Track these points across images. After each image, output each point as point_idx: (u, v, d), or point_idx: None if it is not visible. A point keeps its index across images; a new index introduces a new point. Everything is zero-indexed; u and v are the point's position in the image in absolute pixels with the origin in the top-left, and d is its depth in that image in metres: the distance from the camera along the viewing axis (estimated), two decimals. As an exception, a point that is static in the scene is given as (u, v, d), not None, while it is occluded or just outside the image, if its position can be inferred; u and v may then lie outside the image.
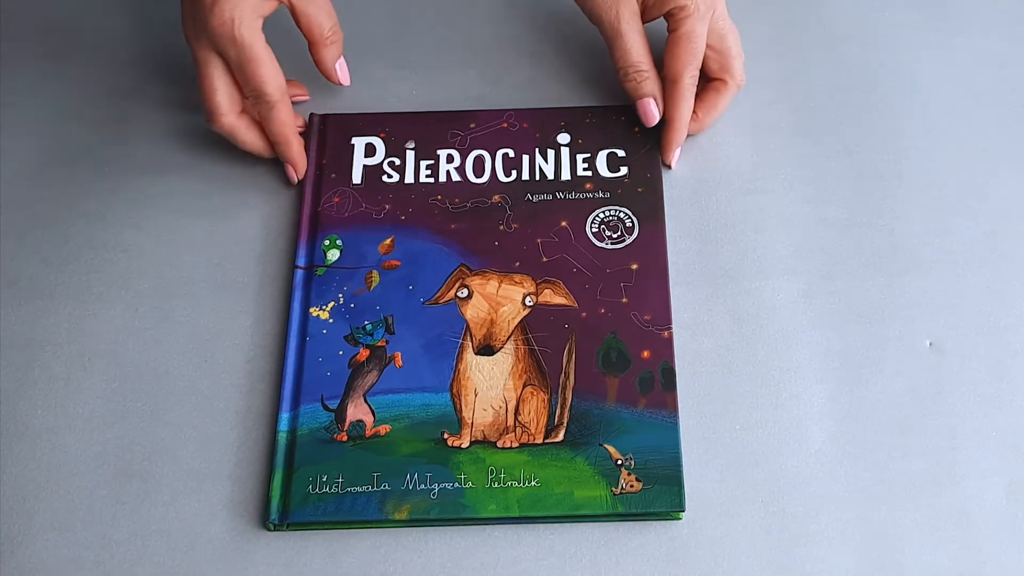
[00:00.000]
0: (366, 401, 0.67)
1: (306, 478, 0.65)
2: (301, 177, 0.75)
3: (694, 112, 0.75)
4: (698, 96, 0.75)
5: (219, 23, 0.69)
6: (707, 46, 0.74)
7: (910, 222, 0.73)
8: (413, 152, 0.75)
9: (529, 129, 0.76)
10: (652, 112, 0.74)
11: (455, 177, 0.74)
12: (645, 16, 0.75)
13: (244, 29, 0.70)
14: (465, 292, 0.70)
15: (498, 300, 0.70)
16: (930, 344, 0.69)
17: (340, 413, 0.67)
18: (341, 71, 0.77)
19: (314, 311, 0.70)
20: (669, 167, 0.75)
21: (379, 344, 0.69)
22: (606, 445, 0.65)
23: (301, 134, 0.76)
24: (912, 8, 0.82)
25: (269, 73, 0.71)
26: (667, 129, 0.74)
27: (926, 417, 0.67)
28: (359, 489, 0.64)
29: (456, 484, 0.64)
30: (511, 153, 0.75)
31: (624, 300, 0.69)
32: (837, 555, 0.63)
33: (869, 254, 0.72)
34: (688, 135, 0.75)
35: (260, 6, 0.71)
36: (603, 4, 0.74)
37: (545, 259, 0.71)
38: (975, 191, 0.74)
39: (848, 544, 0.63)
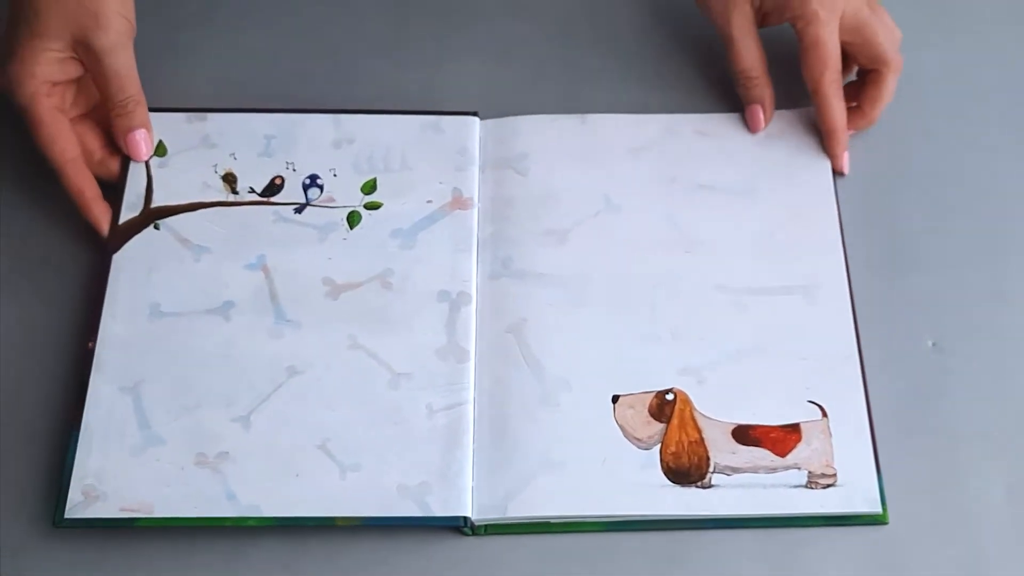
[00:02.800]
0: None
1: None
2: (106, 234, 0.71)
3: (859, 107, 0.75)
4: (860, 90, 0.75)
5: (4, 81, 0.70)
6: (846, 43, 0.74)
7: (911, 222, 0.73)
8: None
9: None
10: (758, 119, 0.75)
11: None
12: (764, 22, 0.75)
13: (23, 90, 0.69)
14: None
15: None
16: (932, 344, 0.69)
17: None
18: (133, 144, 0.72)
19: None
20: (842, 174, 0.74)
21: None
22: None
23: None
24: (912, 8, 0.82)
25: (50, 137, 0.70)
26: (824, 139, 0.74)
27: (928, 417, 0.67)
28: None
29: None
30: None
31: None
32: (837, 555, 0.63)
33: (870, 254, 0.72)
34: (859, 130, 0.75)
35: (52, 70, 0.70)
36: (716, 9, 0.75)
37: None
38: (976, 190, 0.75)
39: (848, 544, 0.63)
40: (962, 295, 0.71)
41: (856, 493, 0.64)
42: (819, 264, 0.70)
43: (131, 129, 0.72)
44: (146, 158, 0.73)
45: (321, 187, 0.73)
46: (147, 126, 0.73)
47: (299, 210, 0.72)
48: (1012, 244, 0.73)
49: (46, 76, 0.69)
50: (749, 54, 0.74)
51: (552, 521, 0.64)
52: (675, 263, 0.71)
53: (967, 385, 0.68)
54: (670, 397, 0.66)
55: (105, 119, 0.73)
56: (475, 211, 0.72)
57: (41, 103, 0.69)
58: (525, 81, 0.79)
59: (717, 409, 0.66)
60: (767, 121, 0.75)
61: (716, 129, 0.76)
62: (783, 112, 0.76)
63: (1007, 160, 0.76)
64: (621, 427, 0.65)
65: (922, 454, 0.66)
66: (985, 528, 0.64)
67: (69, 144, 0.70)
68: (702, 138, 0.75)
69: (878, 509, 0.63)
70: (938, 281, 0.71)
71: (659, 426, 0.65)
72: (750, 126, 0.75)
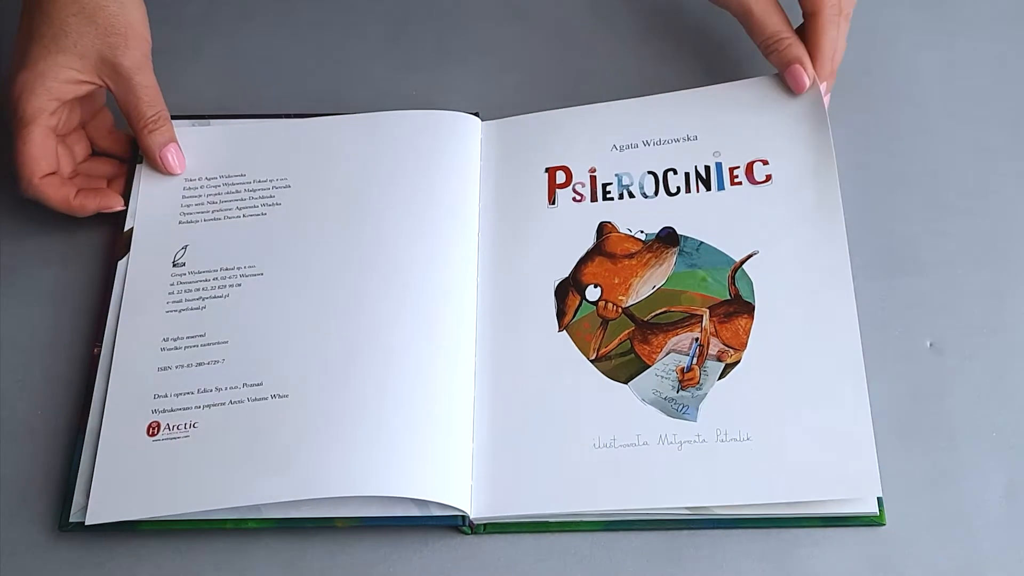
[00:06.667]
0: None
1: None
2: (123, 206, 0.73)
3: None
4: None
5: (11, 92, 0.70)
6: None
7: (910, 222, 0.73)
8: None
9: None
10: (800, 78, 0.73)
11: None
12: None
13: (32, 103, 0.69)
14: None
15: None
16: (930, 345, 0.69)
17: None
18: (166, 159, 0.73)
19: None
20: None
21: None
22: None
23: None
24: (912, 8, 0.82)
25: (28, 156, 0.69)
26: (814, 63, 0.73)
27: (926, 417, 0.67)
28: None
29: None
30: None
31: None
32: (836, 555, 0.63)
33: (869, 254, 0.72)
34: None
35: (66, 89, 0.70)
36: None
37: None
38: (975, 191, 0.74)
39: (848, 544, 0.64)
40: (960, 296, 0.70)
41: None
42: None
43: (164, 145, 0.73)
44: (181, 171, 0.74)
45: None
46: (176, 140, 0.74)
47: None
48: (1010, 245, 0.72)
49: (57, 93, 0.70)
50: (773, 18, 0.73)
51: (551, 520, 0.64)
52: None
53: (965, 386, 0.68)
54: None
55: (97, 131, 0.74)
56: (477, 209, 0.73)
57: (41, 121, 0.70)
58: (526, 82, 0.79)
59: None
60: (811, 77, 0.73)
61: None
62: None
63: (1006, 161, 0.75)
64: None
65: (920, 455, 0.66)
66: (983, 529, 0.64)
67: (47, 164, 0.71)
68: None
69: (875, 510, 0.63)
70: (936, 282, 0.71)
71: None
72: (794, 88, 0.73)
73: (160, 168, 0.73)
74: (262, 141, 0.76)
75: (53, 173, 0.71)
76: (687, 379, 0.67)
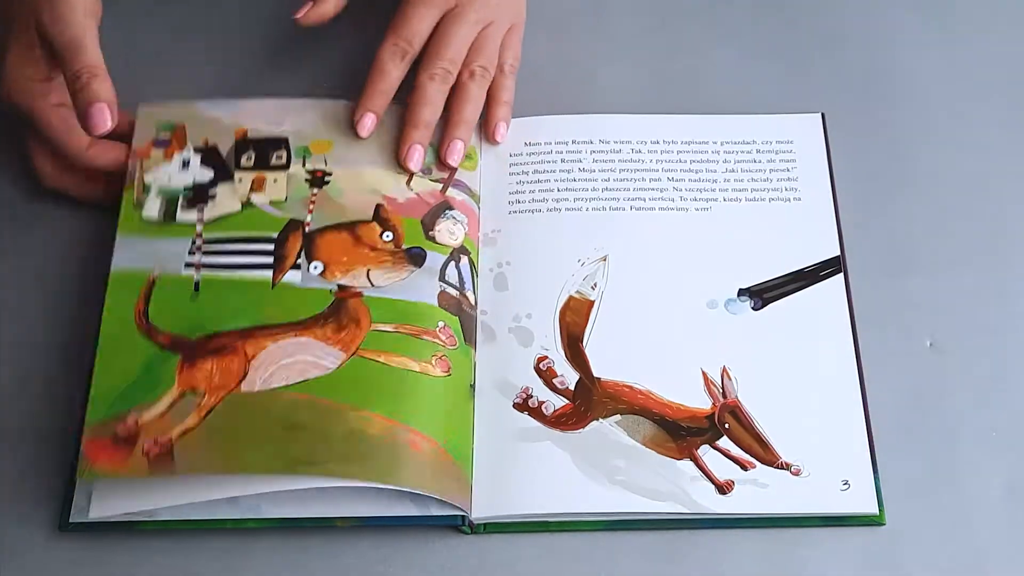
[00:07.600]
0: None
1: None
2: None
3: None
4: None
5: (2, 91, 0.69)
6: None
7: (910, 222, 0.73)
8: None
9: None
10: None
11: None
12: None
13: (22, 97, 0.68)
14: None
15: None
16: (930, 344, 0.69)
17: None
18: (90, 117, 0.65)
19: None
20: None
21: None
22: None
23: None
24: (912, 8, 0.82)
25: (62, 134, 0.69)
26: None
27: (926, 417, 0.67)
28: None
29: None
30: None
31: None
32: (835, 555, 0.63)
33: (869, 254, 0.72)
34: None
35: (41, 68, 0.68)
36: None
37: None
38: (975, 191, 0.74)
39: (848, 544, 0.64)
40: (960, 295, 0.71)
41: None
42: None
43: (89, 103, 0.65)
44: (103, 131, 0.66)
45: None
46: (109, 100, 0.66)
47: None
48: (1010, 244, 0.73)
49: (37, 75, 0.69)
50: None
51: (550, 520, 0.64)
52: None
53: (965, 385, 0.68)
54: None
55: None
56: (478, 210, 0.73)
57: (40, 102, 0.69)
58: (526, 81, 0.79)
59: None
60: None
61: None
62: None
63: (1006, 160, 0.76)
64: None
65: (920, 454, 0.66)
66: (983, 528, 0.64)
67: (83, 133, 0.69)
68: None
69: (875, 509, 0.64)
70: (936, 281, 0.71)
71: None
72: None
73: (84, 126, 0.66)
74: None
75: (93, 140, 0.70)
76: None
